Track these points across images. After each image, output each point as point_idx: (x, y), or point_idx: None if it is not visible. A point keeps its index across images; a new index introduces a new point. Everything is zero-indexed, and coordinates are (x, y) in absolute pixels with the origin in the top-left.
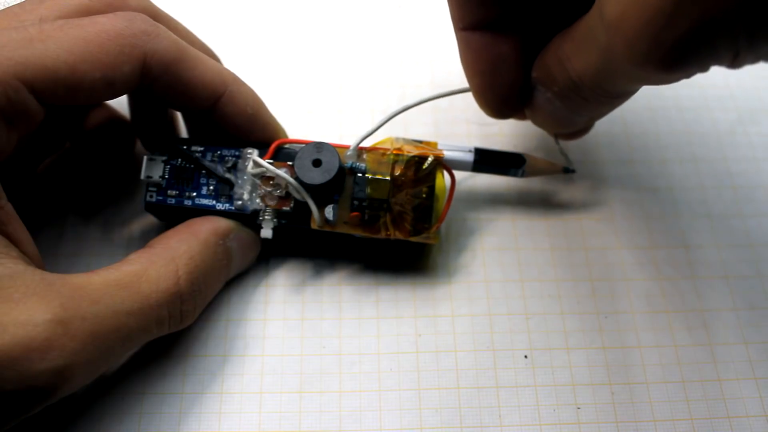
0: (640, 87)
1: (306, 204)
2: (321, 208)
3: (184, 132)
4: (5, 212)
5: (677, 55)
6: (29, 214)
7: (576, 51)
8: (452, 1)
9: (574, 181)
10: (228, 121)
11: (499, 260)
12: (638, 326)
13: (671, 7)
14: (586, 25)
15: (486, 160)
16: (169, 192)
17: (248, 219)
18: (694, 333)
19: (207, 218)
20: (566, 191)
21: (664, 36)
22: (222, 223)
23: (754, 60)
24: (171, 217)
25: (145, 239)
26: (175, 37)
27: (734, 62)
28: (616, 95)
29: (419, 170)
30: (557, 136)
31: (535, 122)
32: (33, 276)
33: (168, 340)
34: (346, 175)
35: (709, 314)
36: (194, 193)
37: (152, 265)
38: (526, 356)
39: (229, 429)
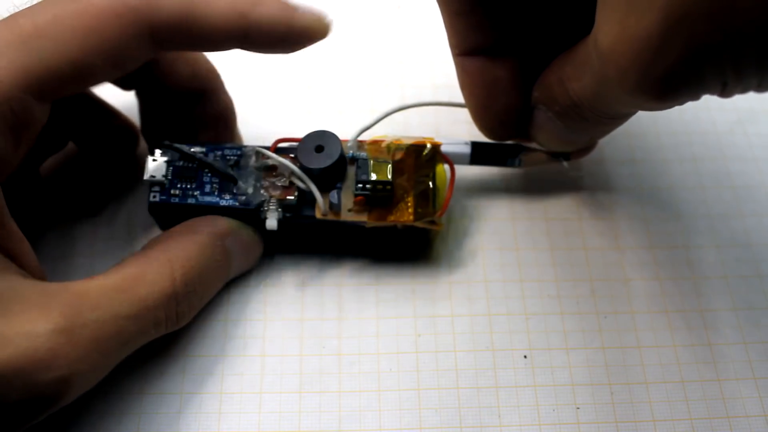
0: (636, 111)
1: (310, 196)
2: (325, 194)
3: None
4: (7, 230)
5: (667, 85)
6: (31, 215)
7: (575, 73)
8: (448, 28)
9: (574, 181)
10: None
11: (499, 260)
12: (638, 326)
13: (659, 42)
14: (584, 50)
15: (483, 151)
16: (172, 191)
17: (252, 214)
18: (693, 333)
19: (205, 219)
20: (566, 191)
21: (653, 68)
22: (221, 224)
23: (743, 90)
24: (174, 217)
25: (147, 239)
26: None
27: (723, 92)
28: (613, 117)
29: (419, 157)
30: (562, 156)
31: (538, 142)
32: (32, 287)
33: (167, 339)
34: (347, 165)
35: (708, 314)
36: (197, 192)
37: (149, 268)
38: (525, 356)
39: (228, 429)
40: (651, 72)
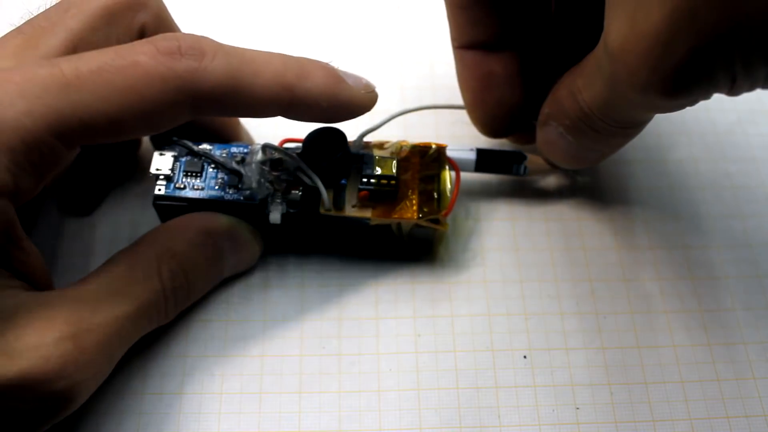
0: (648, 117)
1: (315, 192)
2: (329, 189)
3: None
4: (20, 247)
5: (677, 82)
6: (33, 214)
7: (585, 83)
8: (451, 20)
9: (574, 182)
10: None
11: (499, 260)
12: (637, 326)
13: (668, 36)
14: (594, 57)
15: (488, 158)
16: (177, 185)
17: (256, 209)
18: (692, 333)
19: (199, 215)
20: (566, 191)
21: (663, 64)
22: (214, 221)
23: (751, 85)
24: (177, 211)
25: None
26: (226, 61)
27: (732, 88)
28: (625, 125)
29: (425, 157)
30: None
31: (549, 158)
32: (34, 300)
33: (167, 340)
34: (352, 163)
35: (707, 314)
36: (202, 185)
37: (138, 264)
38: (525, 356)
39: (228, 429)
40: (662, 67)
